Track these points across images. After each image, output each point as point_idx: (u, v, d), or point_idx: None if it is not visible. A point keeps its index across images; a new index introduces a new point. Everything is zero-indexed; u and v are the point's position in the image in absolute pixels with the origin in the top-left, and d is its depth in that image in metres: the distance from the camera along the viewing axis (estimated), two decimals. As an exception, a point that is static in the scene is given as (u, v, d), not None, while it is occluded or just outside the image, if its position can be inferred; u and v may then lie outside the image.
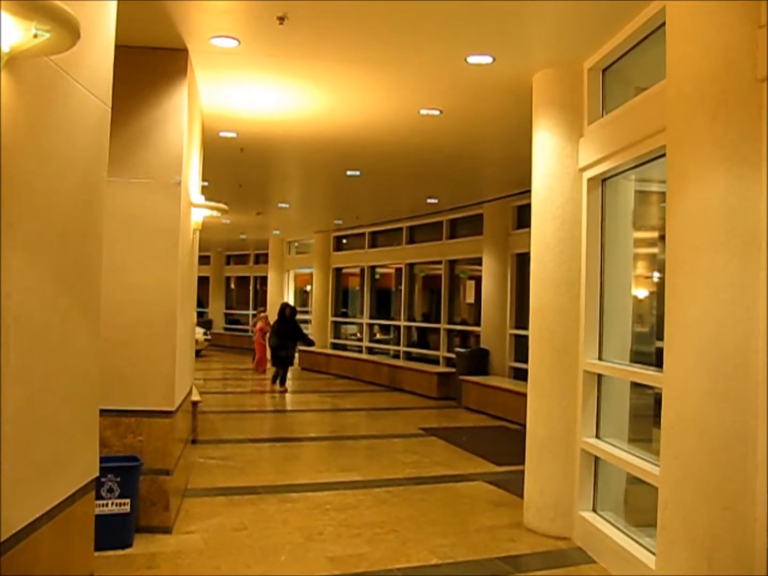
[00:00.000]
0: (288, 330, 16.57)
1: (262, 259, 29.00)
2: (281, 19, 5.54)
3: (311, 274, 23.94)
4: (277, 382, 16.61)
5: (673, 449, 4.06)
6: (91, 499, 3.79)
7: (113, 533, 5.70)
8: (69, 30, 2.53)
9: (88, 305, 3.61)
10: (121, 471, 5.77)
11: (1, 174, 2.61)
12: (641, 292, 7.64)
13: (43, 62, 2.88)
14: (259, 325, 19.88)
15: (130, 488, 5.80)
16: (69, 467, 3.43)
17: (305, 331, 18.11)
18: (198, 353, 21.08)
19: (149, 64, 6.27)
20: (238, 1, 5.49)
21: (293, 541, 6.18)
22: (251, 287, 31.18)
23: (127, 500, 5.80)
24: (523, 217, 14.30)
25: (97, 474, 3.82)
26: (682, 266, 3.99)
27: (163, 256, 6.21)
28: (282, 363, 16.60)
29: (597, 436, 6.22)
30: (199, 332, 22.46)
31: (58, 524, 3.24)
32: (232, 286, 33.17)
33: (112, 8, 3.90)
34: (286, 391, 16.51)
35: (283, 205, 17.11)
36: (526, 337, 7.14)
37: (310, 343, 18.65)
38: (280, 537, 6.29)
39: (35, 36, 2.47)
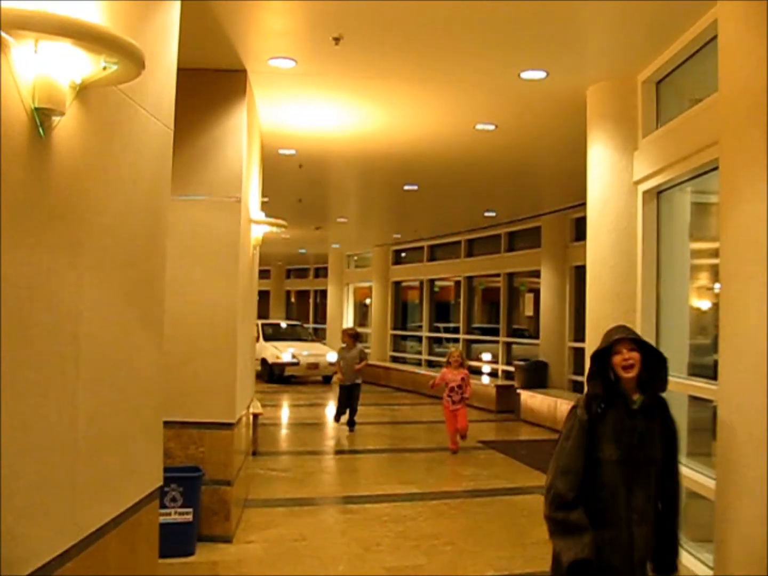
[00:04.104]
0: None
1: (321, 272, 29.33)
2: (337, 39, 5.68)
3: (370, 288, 24.14)
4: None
5: (729, 462, 4.04)
6: (156, 507, 3.94)
7: (176, 542, 5.86)
8: (135, 62, 2.68)
9: (152, 321, 3.77)
10: (183, 481, 5.94)
11: (73, 197, 2.77)
12: (704, 304, 7.57)
13: (111, 90, 3.04)
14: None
15: (193, 498, 5.97)
16: (135, 476, 3.58)
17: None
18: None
19: (209, 86, 6.47)
20: (295, 23, 5.66)
21: (351, 552, 6.29)
22: (311, 301, 31.53)
23: (190, 510, 5.97)
24: (581, 230, 14.23)
25: (161, 483, 3.97)
26: (736, 278, 3.99)
27: (224, 272, 6.39)
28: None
29: (655, 450, 6.18)
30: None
31: (125, 530, 3.39)
32: (293, 299, 33.58)
33: (174, 35, 4.09)
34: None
35: (342, 219, 17.32)
36: (584, 350, 7.13)
37: None
38: (339, 548, 6.41)
39: (104, 68, 2.63)
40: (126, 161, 3.40)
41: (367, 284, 24.97)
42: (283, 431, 13.64)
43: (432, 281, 21.50)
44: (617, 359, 3.75)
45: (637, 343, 3.83)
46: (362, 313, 27.58)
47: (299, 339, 22.13)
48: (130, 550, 3.55)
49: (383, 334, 22.74)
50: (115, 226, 3.25)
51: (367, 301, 26.79)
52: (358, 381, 13.24)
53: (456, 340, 19.76)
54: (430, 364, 20.64)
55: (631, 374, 3.74)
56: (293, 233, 18.70)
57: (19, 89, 2.39)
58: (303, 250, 25.43)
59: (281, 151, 9.64)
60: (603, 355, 3.80)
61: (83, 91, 2.75)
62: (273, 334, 21.79)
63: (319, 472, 9.65)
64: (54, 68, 2.49)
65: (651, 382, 3.89)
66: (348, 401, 13.11)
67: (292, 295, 33.59)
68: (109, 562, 3.25)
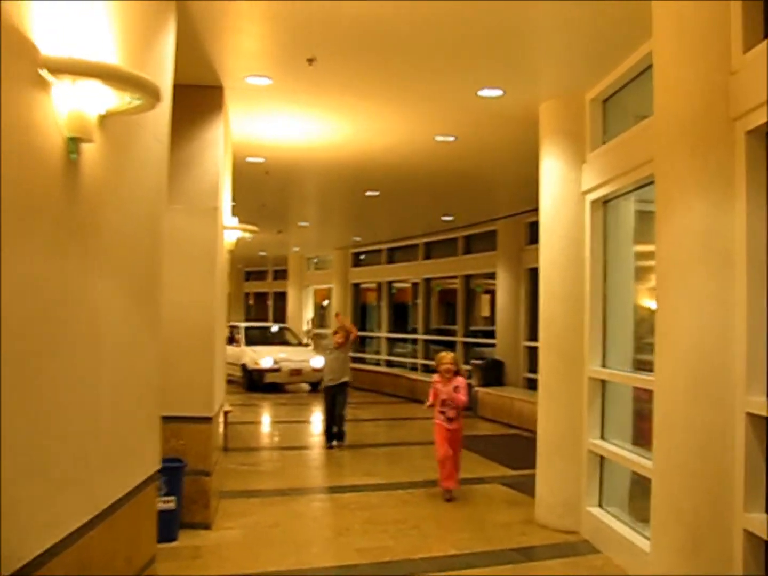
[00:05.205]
0: None
1: (280, 275, 29.64)
2: (310, 60, 6.15)
3: (329, 290, 24.48)
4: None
5: (663, 444, 4.59)
6: (155, 488, 4.38)
7: (161, 528, 6.22)
8: (154, 96, 3.12)
9: (152, 321, 4.20)
10: (168, 471, 6.32)
11: (94, 211, 3.21)
12: (654, 304, 8.09)
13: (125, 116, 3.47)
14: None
15: (176, 487, 6.37)
16: (140, 459, 4.02)
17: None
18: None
19: (188, 101, 6.84)
20: (271, 46, 6.12)
21: (323, 536, 6.75)
22: (270, 303, 31.83)
23: (173, 498, 6.36)
24: (535, 233, 14.71)
25: (159, 466, 4.41)
26: (669, 282, 4.53)
27: (202, 277, 6.81)
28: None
29: (602, 438, 6.75)
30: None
31: (133, 507, 3.82)
32: (251, 302, 33.86)
33: (170, 60, 4.56)
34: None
35: (304, 223, 17.74)
36: (537, 349, 7.65)
37: None
38: (312, 532, 6.87)
39: (129, 103, 3.07)
40: (133, 176, 3.84)
41: (326, 286, 25.34)
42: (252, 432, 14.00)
43: (390, 283, 21.99)
44: None
45: None
46: (320, 315, 27.97)
47: (284, 343, 21.04)
48: (136, 526, 3.98)
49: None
50: (125, 234, 3.69)
51: (325, 303, 27.18)
52: (345, 379, 11.42)
53: (414, 341, 20.27)
54: (389, 364, 21.13)
55: None
56: (255, 236, 18.96)
57: (57, 121, 2.82)
58: (263, 253, 25.76)
59: (249, 159, 10.05)
60: None
61: (102, 119, 3.18)
62: (256, 338, 20.62)
63: (287, 466, 10.07)
64: (85, 103, 2.92)
65: None
66: (332, 407, 11.30)
67: (250, 297, 33.87)
68: (120, 534, 3.68)
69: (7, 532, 2.38)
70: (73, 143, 2.94)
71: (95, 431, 3.25)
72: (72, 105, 2.88)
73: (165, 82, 4.36)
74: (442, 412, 8.44)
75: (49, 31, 2.68)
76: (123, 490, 3.67)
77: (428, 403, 8.70)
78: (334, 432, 11.34)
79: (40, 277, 2.66)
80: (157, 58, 4.22)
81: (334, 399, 11.24)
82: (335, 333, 11.62)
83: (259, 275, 32.51)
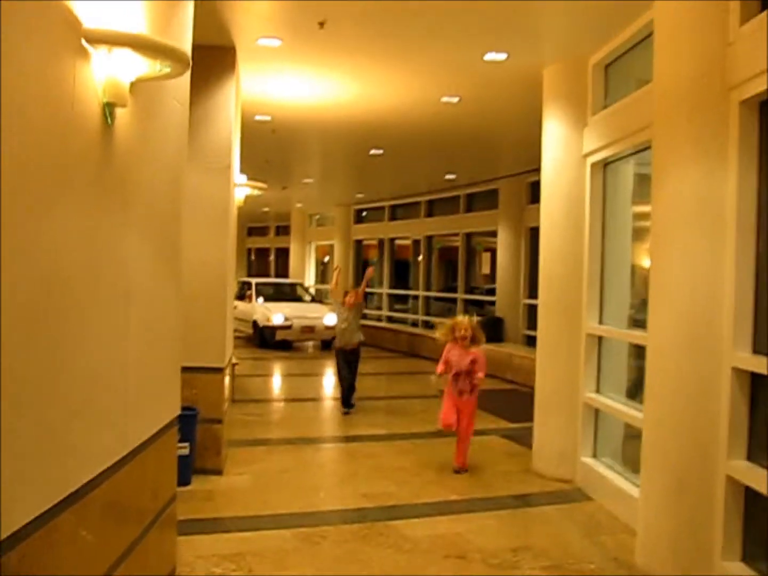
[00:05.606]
0: None
1: (282, 231, 29.83)
2: (321, 24, 6.32)
3: (330, 246, 24.68)
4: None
5: (654, 396, 4.88)
6: (175, 431, 4.66)
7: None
8: (183, 64, 3.33)
9: (175, 275, 4.45)
10: (182, 418, 6.54)
11: (124, 170, 3.44)
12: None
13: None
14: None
15: (190, 434, 6.67)
16: (163, 404, 4.30)
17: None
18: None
19: (202, 62, 6.90)
20: (282, 8, 6.28)
21: (330, 482, 7.09)
22: (271, 258, 32.08)
23: (187, 444, 6.66)
24: (536, 193, 14.80)
25: (179, 411, 4.69)
26: (663, 242, 4.79)
27: (216, 233, 7.06)
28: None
29: (597, 391, 7.04)
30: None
31: (158, 448, 4.11)
32: (253, 257, 34.11)
33: (190, 26, 4.76)
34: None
35: (308, 180, 17.90)
36: (537, 307, 7.90)
37: None
38: (319, 478, 7.21)
39: (160, 70, 3.28)
40: (158, 137, 4.06)
41: (328, 243, 25.56)
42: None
43: (393, 240, 22.21)
44: None
45: None
46: (320, 270, 28.22)
47: (297, 299, 20.58)
48: (160, 464, 4.27)
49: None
50: (150, 191, 3.92)
51: (326, 259, 27.41)
52: (358, 341, 10.77)
53: (416, 297, 20.56)
54: (391, 320, 21.44)
55: None
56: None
57: (95, 88, 3.04)
58: (266, 209, 25.93)
59: (258, 117, 10.22)
60: None
61: (133, 85, 3.40)
62: (268, 294, 20.19)
63: (292, 417, 10.41)
64: (120, 71, 3.14)
65: None
66: (348, 371, 10.69)
67: (252, 253, 34.11)
68: (147, 471, 3.97)
69: (61, 463, 2.66)
70: (109, 108, 3.16)
71: (127, 378, 3.52)
72: (108, 72, 3.09)
73: (186, 46, 4.55)
74: (455, 382, 7.52)
75: (86, 1, 2.88)
76: (149, 432, 3.95)
77: (438, 372, 7.68)
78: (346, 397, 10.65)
79: (83, 231, 2.90)
80: (178, 23, 4.42)
81: (349, 365, 10.63)
82: (346, 294, 10.98)
83: (261, 231, 32.70)
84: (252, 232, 33.31)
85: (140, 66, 3.26)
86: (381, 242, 22.67)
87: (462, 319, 7.61)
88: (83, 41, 2.88)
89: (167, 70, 3.32)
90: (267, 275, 30.67)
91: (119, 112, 3.27)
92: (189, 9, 4.72)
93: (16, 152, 2.30)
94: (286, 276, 27.14)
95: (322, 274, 27.77)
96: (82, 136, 2.91)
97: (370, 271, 11.72)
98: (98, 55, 3.02)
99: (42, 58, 2.52)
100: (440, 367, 7.59)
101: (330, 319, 16.77)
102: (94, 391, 3.08)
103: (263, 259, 33.29)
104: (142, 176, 3.74)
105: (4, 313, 2.19)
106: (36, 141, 2.48)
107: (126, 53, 3.10)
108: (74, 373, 2.81)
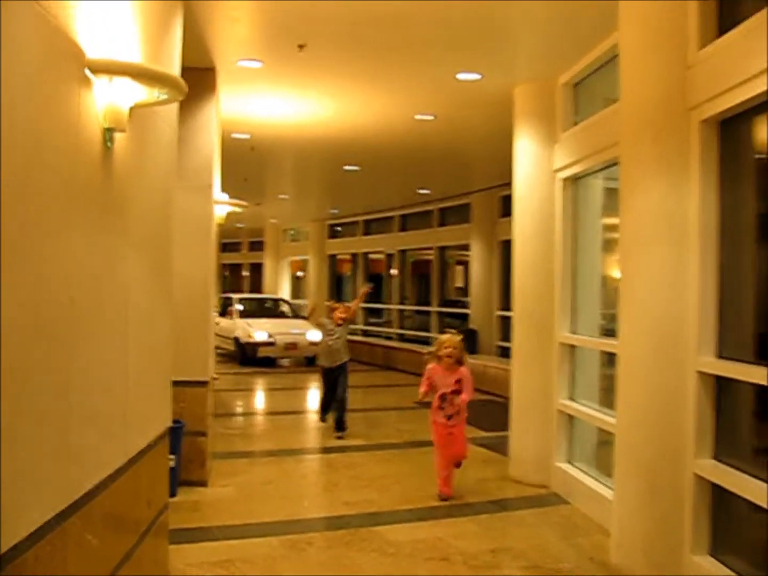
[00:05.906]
0: None
1: (255, 246, 29.94)
2: (301, 46, 6.54)
3: (304, 261, 24.84)
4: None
5: (625, 402, 5.11)
6: (167, 442, 4.83)
7: (162, 484, 6.70)
8: (179, 90, 3.53)
9: (167, 291, 4.63)
10: (169, 431, 6.76)
11: (122, 192, 3.63)
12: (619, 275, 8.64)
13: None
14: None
15: (176, 446, 6.80)
16: (157, 415, 4.47)
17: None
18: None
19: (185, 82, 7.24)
20: (263, 31, 6.51)
21: (313, 491, 7.28)
22: (246, 274, 32.14)
23: (173, 456, 6.78)
24: (508, 207, 15.02)
25: (170, 423, 4.86)
26: (631, 253, 5.03)
27: (199, 250, 7.24)
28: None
29: (571, 398, 7.28)
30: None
31: (152, 457, 4.27)
32: (226, 273, 34.15)
33: (178, 49, 4.96)
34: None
35: (283, 196, 18.09)
36: (511, 318, 8.15)
37: None
38: (301, 488, 7.38)
39: (158, 97, 3.48)
40: (151, 159, 4.26)
41: (302, 258, 25.71)
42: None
43: (366, 254, 22.43)
44: None
45: None
46: (294, 285, 28.33)
47: (280, 316, 20.32)
48: (154, 473, 4.44)
49: (319, 305, 23.57)
50: (145, 212, 4.11)
51: (299, 273, 27.54)
52: (346, 359, 10.23)
53: (389, 311, 20.77)
54: (366, 333, 21.63)
55: None
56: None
57: (96, 114, 3.22)
58: (240, 225, 26.05)
59: (235, 135, 10.41)
60: None
61: (131, 111, 3.59)
62: (251, 311, 19.93)
63: (272, 430, 10.56)
64: (119, 98, 3.33)
65: None
66: (333, 389, 10.12)
67: (226, 269, 34.15)
68: (142, 480, 4.13)
69: (69, 469, 2.83)
70: (109, 133, 3.34)
71: (127, 390, 3.69)
72: (108, 100, 3.28)
73: (176, 71, 4.75)
74: (441, 408, 7.02)
75: (88, 33, 3.06)
76: (145, 441, 4.12)
77: (420, 395, 7.21)
78: (336, 419, 9.91)
79: (88, 252, 3.08)
80: (168, 48, 4.62)
81: (336, 381, 10.03)
82: (333, 310, 10.34)
83: (234, 246, 32.76)
84: (225, 247, 33.33)
85: (139, 93, 3.45)
86: (354, 257, 22.88)
87: (448, 337, 7.17)
88: (86, 71, 3.06)
89: (164, 96, 3.52)
90: (240, 291, 30.66)
91: (117, 136, 3.46)
92: (178, 34, 4.92)
93: (36, 180, 2.49)
94: (259, 291, 27.21)
95: (296, 289, 27.91)
96: (87, 161, 3.09)
97: (368, 288, 11.35)
98: (100, 83, 3.21)
99: (53, 90, 2.71)
100: (423, 388, 7.14)
101: (314, 335, 16.32)
102: (101, 402, 3.26)
103: (236, 275, 33.34)
104: (138, 197, 3.92)
105: (24, 330, 2.37)
106: (50, 169, 2.66)
107: (126, 81, 3.29)
108: (84, 386, 2.98)
